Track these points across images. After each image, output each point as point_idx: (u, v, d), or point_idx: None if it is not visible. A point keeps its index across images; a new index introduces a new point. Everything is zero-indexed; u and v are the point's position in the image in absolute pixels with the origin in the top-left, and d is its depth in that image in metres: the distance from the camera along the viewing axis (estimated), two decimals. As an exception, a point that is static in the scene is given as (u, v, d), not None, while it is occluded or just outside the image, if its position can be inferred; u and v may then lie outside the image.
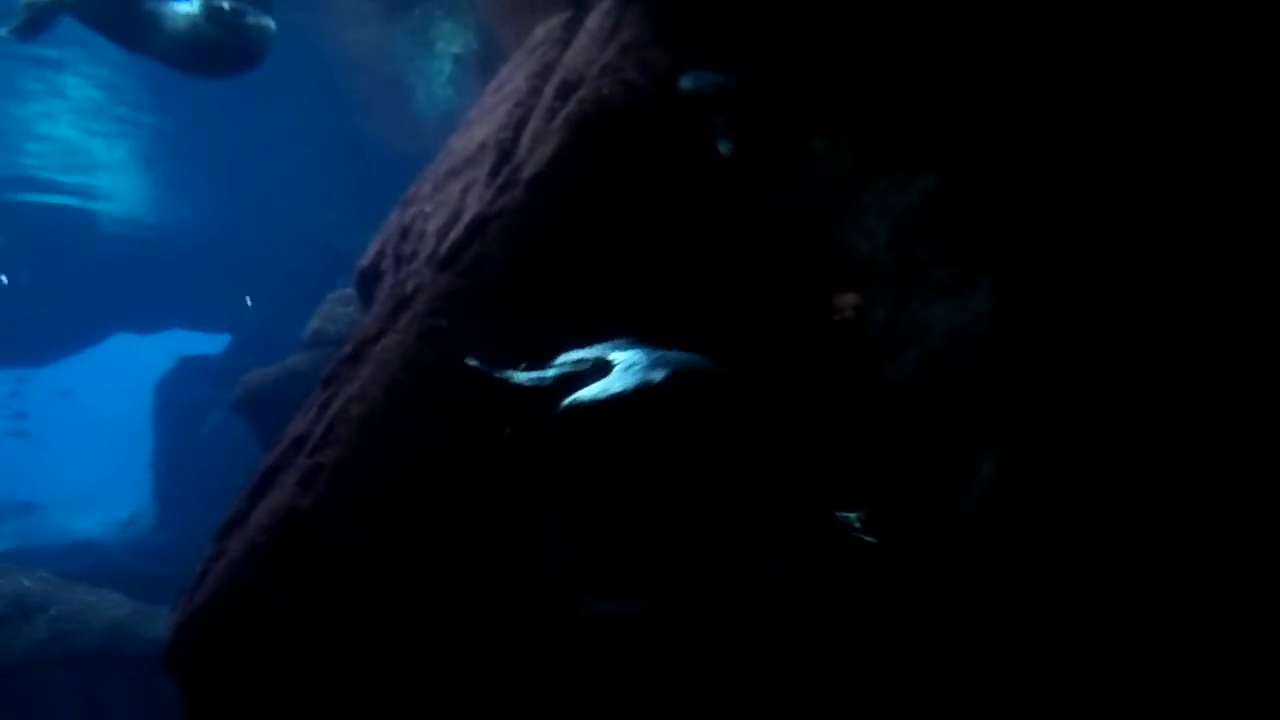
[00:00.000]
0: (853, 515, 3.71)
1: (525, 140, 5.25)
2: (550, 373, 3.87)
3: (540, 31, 6.23)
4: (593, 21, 5.59)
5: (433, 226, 5.70)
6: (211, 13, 8.28)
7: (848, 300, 4.06)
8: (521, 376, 3.86)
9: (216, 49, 8.65)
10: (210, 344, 21.44)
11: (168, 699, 10.34)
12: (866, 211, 3.65)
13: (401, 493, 4.51)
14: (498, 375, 3.90)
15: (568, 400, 3.70)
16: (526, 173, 4.90)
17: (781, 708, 3.76)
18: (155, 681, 10.70)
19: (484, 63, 10.62)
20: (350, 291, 12.38)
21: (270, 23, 8.76)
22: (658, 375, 3.56)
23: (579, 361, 3.84)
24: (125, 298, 19.71)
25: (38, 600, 10.52)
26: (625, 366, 3.66)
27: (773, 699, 3.74)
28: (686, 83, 4.50)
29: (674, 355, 3.64)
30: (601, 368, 3.72)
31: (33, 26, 9.03)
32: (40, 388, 28.99)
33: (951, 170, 3.44)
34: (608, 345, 3.81)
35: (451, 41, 12.12)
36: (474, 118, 6.33)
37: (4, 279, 17.38)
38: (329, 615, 4.39)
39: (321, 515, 4.62)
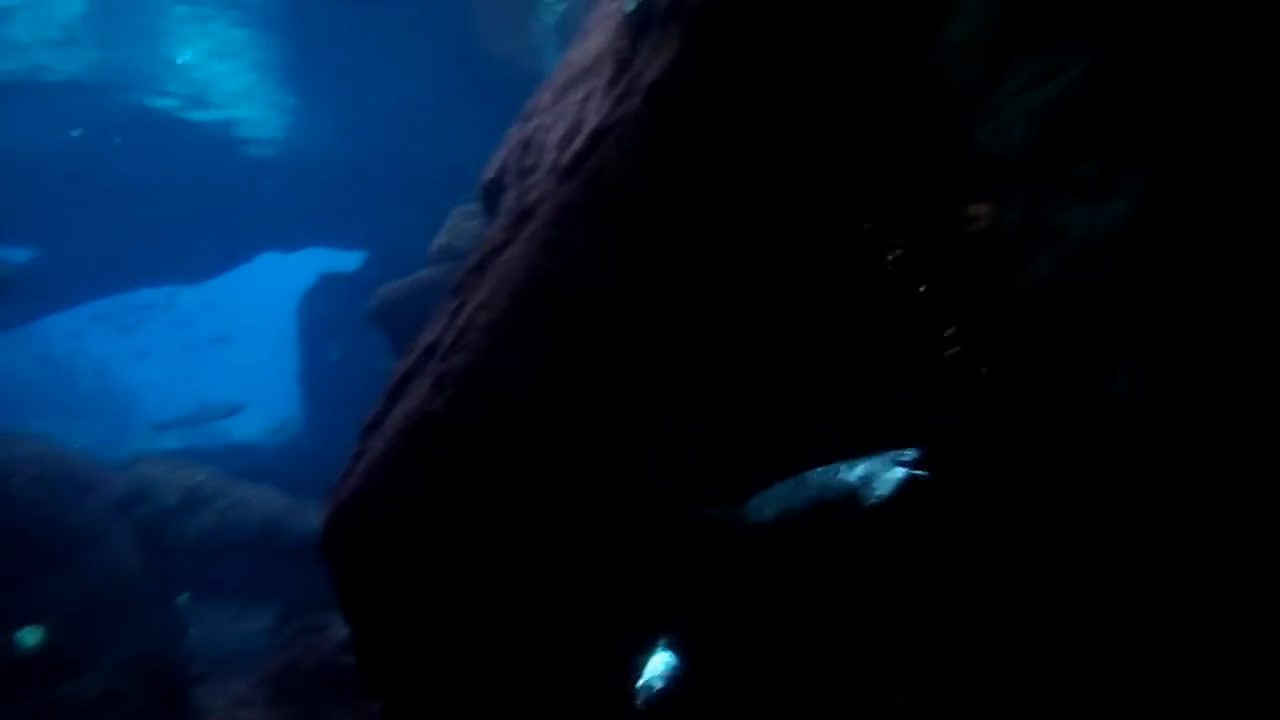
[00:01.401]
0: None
1: (643, 48, 5.18)
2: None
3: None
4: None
5: (553, 138, 5.74)
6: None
7: (980, 209, 3.88)
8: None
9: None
10: (347, 261, 22.49)
11: (317, 582, 11.33)
12: (1001, 106, 3.44)
13: (525, 394, 4.69)
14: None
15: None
16: (645, 80, 4.84)
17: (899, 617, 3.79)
18: (306, 567, 11.75)
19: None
20: (475, 206, 12.70)
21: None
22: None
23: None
24: (270, 218, 20.85)
25: (207, 493, 11.67)
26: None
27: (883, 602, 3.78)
28: None
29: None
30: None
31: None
32: (191, 301, 31.12)
33: (1100, 59, 3.19)
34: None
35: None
36: (591, 27, 6.27)
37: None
38: (457, 506, 4.68)
39: (452, 416, 4.88)
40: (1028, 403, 3.64)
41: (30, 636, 7.94)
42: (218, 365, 40.95)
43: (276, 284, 32.63)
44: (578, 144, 5.18)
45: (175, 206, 19.78)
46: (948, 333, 3.82)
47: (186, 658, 8.77)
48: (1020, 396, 3.67)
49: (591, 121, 5.22)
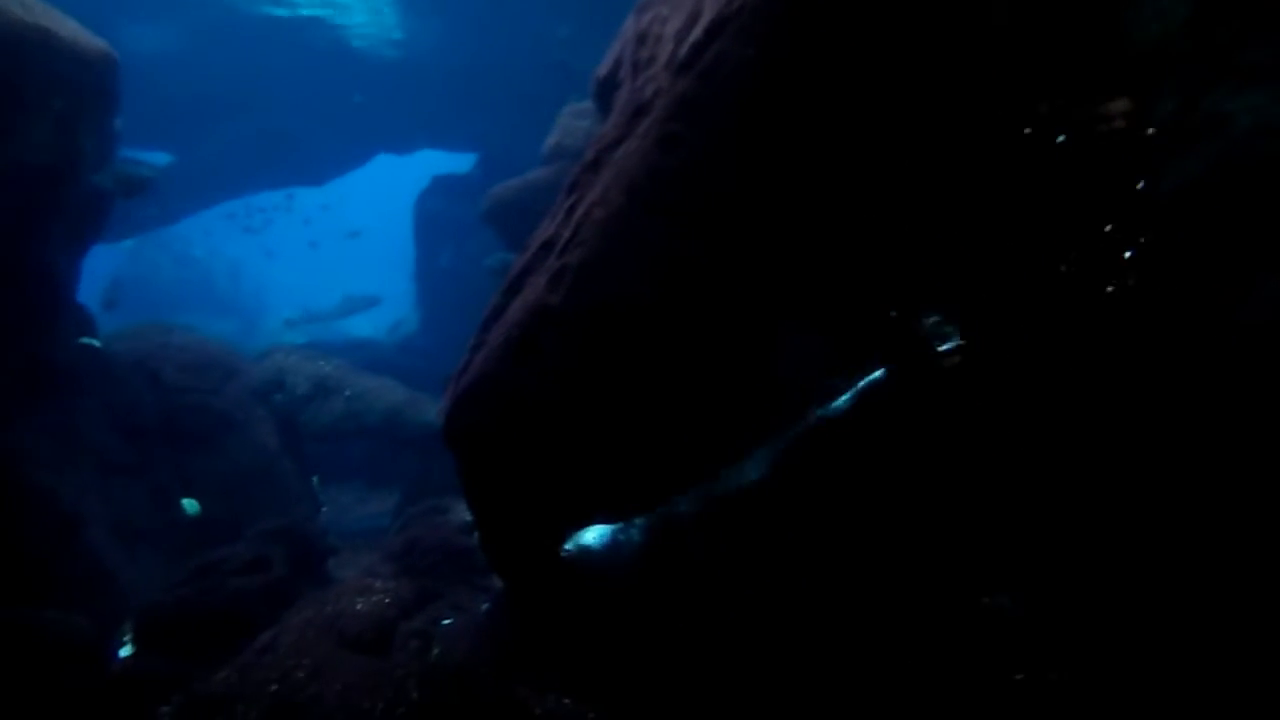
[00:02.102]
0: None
1: (765, -69, 4.94)
2: None
3: None
4: None
5: (670, 30, 5.61)
6: None
7: (1119, 106, 3.63)
8: None
9: None
10: (459, 163, 22.82)
11: (434, 469, 11.97)
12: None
13: (639, 289, 4.75)
14: None
15: None
16: (767, -34, 4.64)
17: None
18: (424, 454, 12.45)
19: None
20: (586, 105, 12.61)
21: None
22: None
23: None
24: (384, 120, 21.25)
25: (335, 383, 12.42)
26: None
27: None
28: None
29: None
30: None
31: None
32: (308, 203, 32.18)
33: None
34: None
35: None
36: (712, -89, 6.02)
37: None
38: (570, 394, 4.84)
39: (568, 309, 4.99)
40: (1163, 308, 3.48)
41: (191, 506, 8.79)
42: (339, 265, 42.75)
43: (391, 186, 33.44)
44: (695, 35, 5.05)
45: (295, 110, 20.39)
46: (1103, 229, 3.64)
47: (321, 532, 9.50)
48: (1157, 302, 3.50)
49: (710, 12, 5.08)
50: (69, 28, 8.26)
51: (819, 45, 4.49)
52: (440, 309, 19.89)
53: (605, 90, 7.20)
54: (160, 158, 20.52)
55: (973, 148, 4.12)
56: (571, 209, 5.66)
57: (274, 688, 4.46)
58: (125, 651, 6.83)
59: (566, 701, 4.35)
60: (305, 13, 19.10)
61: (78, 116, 8.37)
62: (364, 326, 28.99)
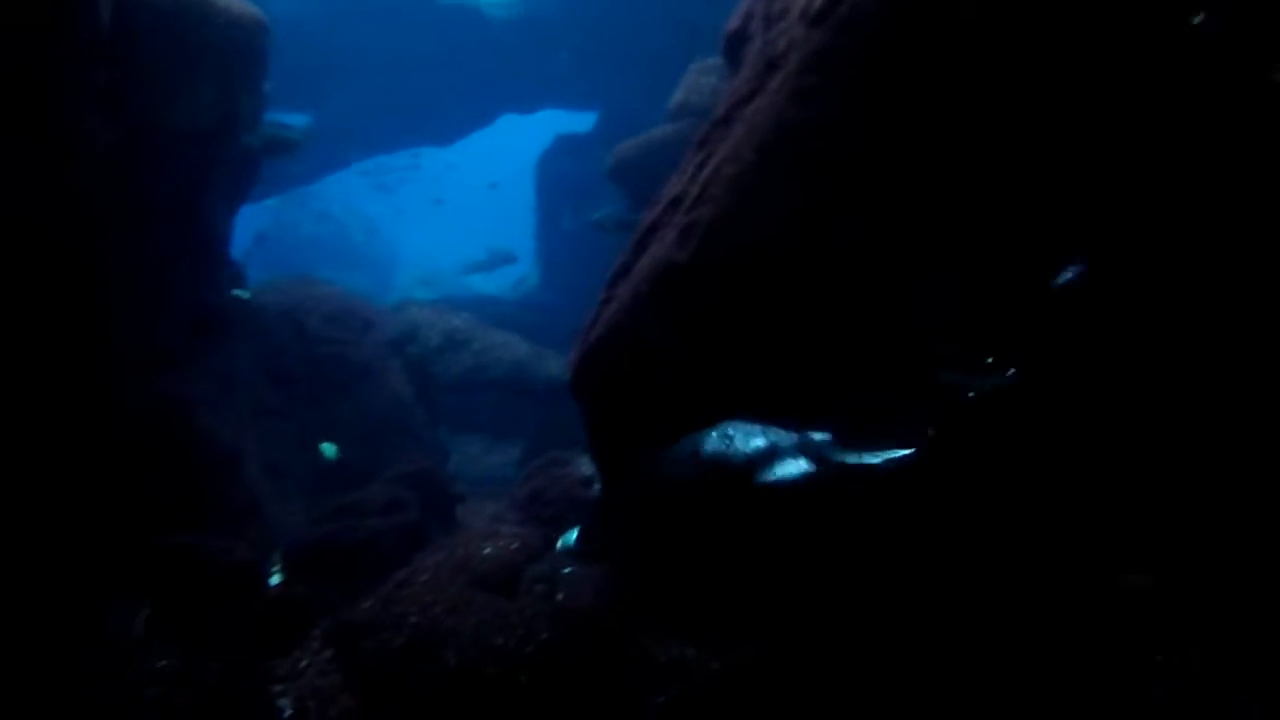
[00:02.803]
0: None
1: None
2: None
3: None
4: None
5: (805, -20, 5.48)
6: None
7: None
8: None
9: None
10: (581, 122, 23.01)
11: (557, 422, 12.29)
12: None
13: (768, 245, 4.73)
14: None
15: None
16: (908, -90, 4.45)
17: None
18: (547, 408, 12.81)
19: None
20: (712, 62, 12.47)
21: None
22: None
23: None
24: (509, 80, 21.61)
25: (464, 336, 12.91)
26: None
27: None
28: None
29: None
30: None
31: None
32: (434, 162, 33.08)
33: None
34: None
35: None
36: None
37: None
38: (698, 348, 4.89)
39: (695, 265, 5.02)
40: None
41: (329, 450, 9.40)
42: (467, 223, 44.00)
43: (513, 146, 34.05)
44: (832, -15, 4.92)
45: (424, 71, 20.96)
46: None
47: (451, 479, 9.96)
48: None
49: (847, -40, 4.92)
50: (224, -5, 8.79)
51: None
52: (561, 266, 20.25)
53: (735, 45, 7.10)
54: (299, 119, 21.56)
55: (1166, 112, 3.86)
56: (700, 165, 5.66)
57: (414, 619, 4.76)
58: (275, 580, 7.40)
59: (690, 651, 4.46)
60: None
61: (235, 80, 8.92)
62: (487, 283, 29.82)
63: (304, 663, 4.87)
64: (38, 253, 5.99)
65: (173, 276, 8.75)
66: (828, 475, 4.01)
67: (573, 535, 5.77)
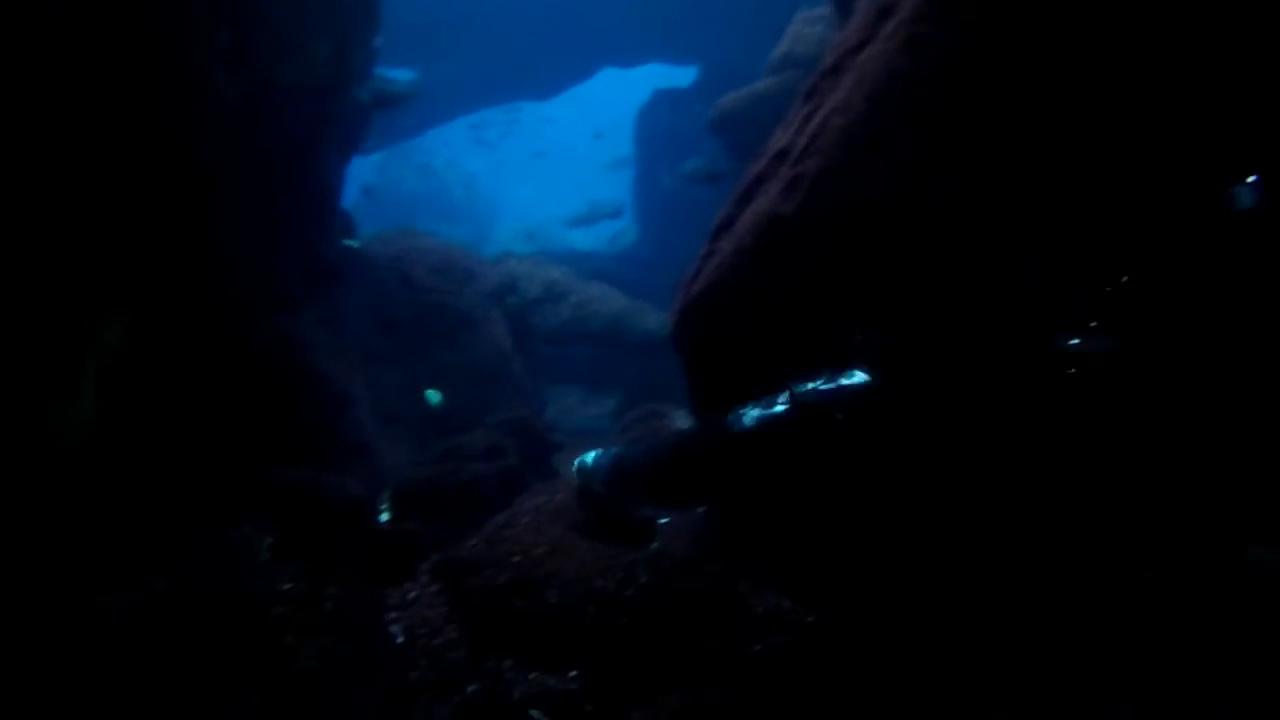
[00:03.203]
0: None
1: None
2: None
3: None
4: None
5: (924, -78, 5.26)
6: None
7: None
8: None
9: None
10: (681, 76, 22.77)
11: (652, 375, 12.39)
12: None
13: (876, 198, 4.63)
14: None
15: None
16: None
17: None
18: (643, 361, 12.94)
19: None
20: (818, 11, 12.13)
21: None
22: None
23: None
24: (611, 32, 21.51)
25: (562, 289, 13.11)
26: None
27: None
28: None
29: None
30: None
31: None
32: (531, 116, 33.31)
33: None
34: None
35: None
36: None
37: None
38: (802, 301, 4.85)
39: (802, 219, 4.96)
40: None
41: (433, 396, 9.75)
42: (567, 177, 44.30)
43: (615, 100, 33.98)
44: (953, -74, 4.71)
45: (527, 23, 21.05)
46: None
47: (549, 427, 10.20)
48: None
49: (970, -101, 4.70)
50: (340, -48, 9.00)
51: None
52: (658, 220, 20.25)
53: (846, -9, 6.90)
54: (405, 73, 22.00)
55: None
56: (808, 117, 5.55)
57: (517, 559, 4.94)
58: (384, 517, 7.78)
59: (786, 603, 4.51)
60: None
61: (349, 35, 9.19)
62: (583, 239, 30.09)
63: (413, 594, 5.14)
64: (172, 203, 6.37)
65: (289, 225, 9.17)
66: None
67: (590, 456, 5.86)
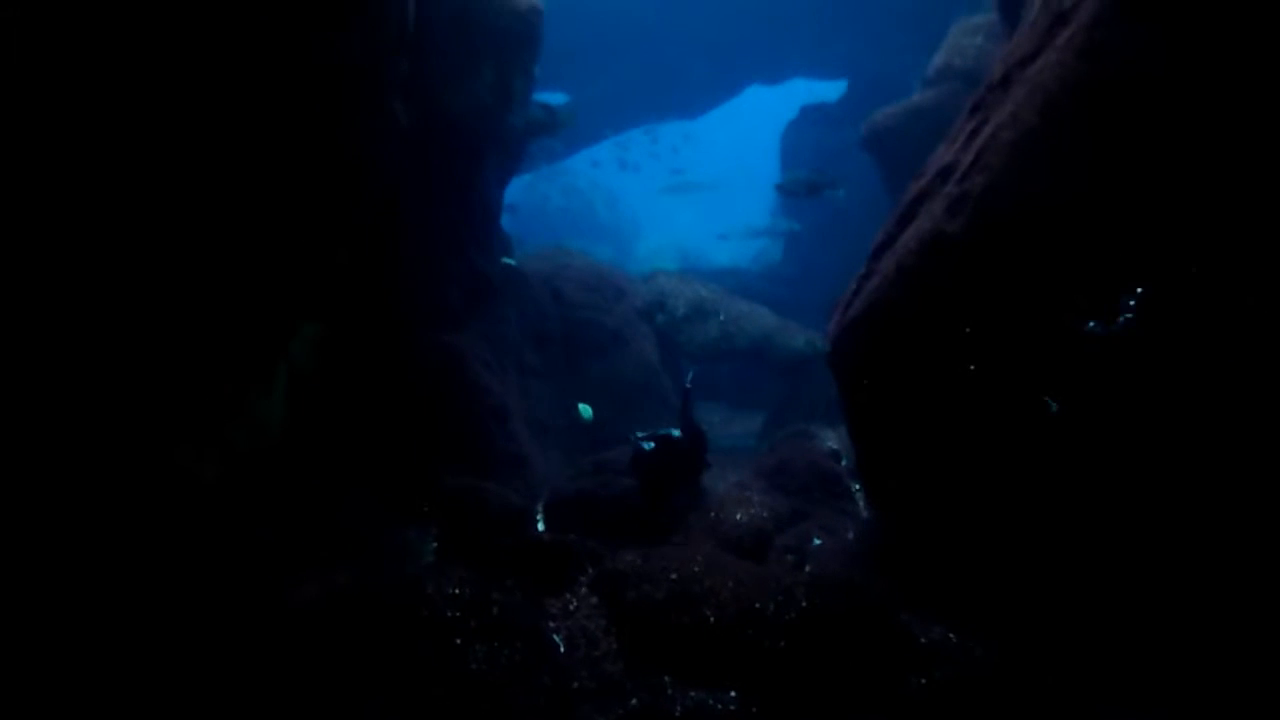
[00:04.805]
0: None
1: None
2: None
3: None
4: None
5: (1104, -75, 5.02)
6: None
7: None
8: None
9: None
10: (827, 91, 22.46)
11: (798, 394, 12.19)
12: None
13: (1050, 217, 4.44)
14: None
15: None
16: None
17: None
18: (790, 380, 12.80)
19: None
20: (977, 21, 11.71)
21: None
22: None
23: None
24: (757, 49, 21.49)
25: (711, 306, 13.17)
26: None
27: None
28: None
29: None
30: None
31: None
32: (670, 134, 33.56)
33: None
34: None
35: None
36: None
37: None
38: (967, 323, 4.68)
39: (968, 238, 4.82)
40: None
41: (586, 411, 10.00)
42: (712, 196, 44.49)
43: (756, 119, 33.84)
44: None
45: (673, 44, 21.35)
46: None
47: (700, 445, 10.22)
48: None
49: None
50: (502, -17, 9.47)
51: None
52: (804, 238, 20.01)
53: (1011, 1, 6.67)
54: (558, 97, 22.74)
55: None
56: (974, 133, 5.40)
57: (673, 575, 5.00)
58: (540, 527, 8.03)
59: (952, 636, 4.36)
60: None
61: (511, 61, 9.62)
62: (724, 255, 30.08)
63: (573, 605, 5.28)
64: (358, 222, 6.86)
65: (454, 243, 9.66)
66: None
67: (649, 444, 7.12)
